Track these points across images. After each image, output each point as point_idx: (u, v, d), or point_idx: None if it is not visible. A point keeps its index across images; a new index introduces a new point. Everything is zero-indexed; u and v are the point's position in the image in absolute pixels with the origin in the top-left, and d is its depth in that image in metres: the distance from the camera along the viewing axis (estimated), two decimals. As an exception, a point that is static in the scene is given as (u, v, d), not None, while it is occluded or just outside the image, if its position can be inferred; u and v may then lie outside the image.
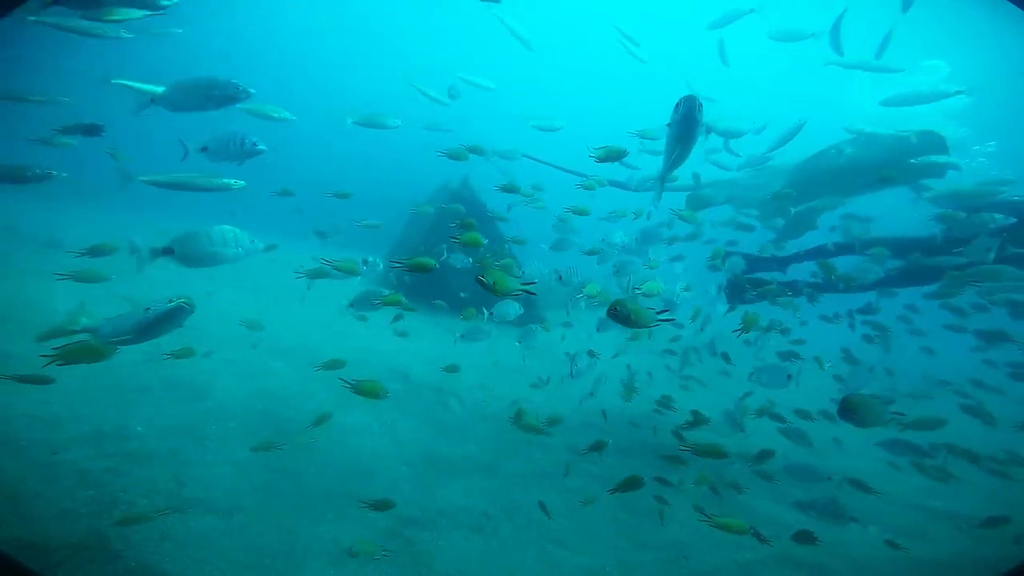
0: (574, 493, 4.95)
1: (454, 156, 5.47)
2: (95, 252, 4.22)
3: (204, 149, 4.08)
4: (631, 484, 3.89)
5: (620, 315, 2.55)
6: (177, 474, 3.97)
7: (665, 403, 6.12)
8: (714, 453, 4.06)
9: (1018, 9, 2.57)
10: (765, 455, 5.13)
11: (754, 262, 7.34)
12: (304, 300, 9.40)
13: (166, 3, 3.71)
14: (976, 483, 6.23)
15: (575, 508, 4.71)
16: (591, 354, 6.34)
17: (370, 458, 4.88)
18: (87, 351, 2.81)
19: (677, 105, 3.23)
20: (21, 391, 4.24)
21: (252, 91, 3.94)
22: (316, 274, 4.64)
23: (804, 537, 3.87)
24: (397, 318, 7.23)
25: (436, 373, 7.07)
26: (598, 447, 4.67)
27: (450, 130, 8.32)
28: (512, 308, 5.51)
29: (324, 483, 4.34)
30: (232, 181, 4.45)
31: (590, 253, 6.21)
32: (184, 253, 3.58)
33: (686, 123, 3.25)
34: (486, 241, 4.49)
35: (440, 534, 4.06)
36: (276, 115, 5.54)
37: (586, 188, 5.59)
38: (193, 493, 3.81)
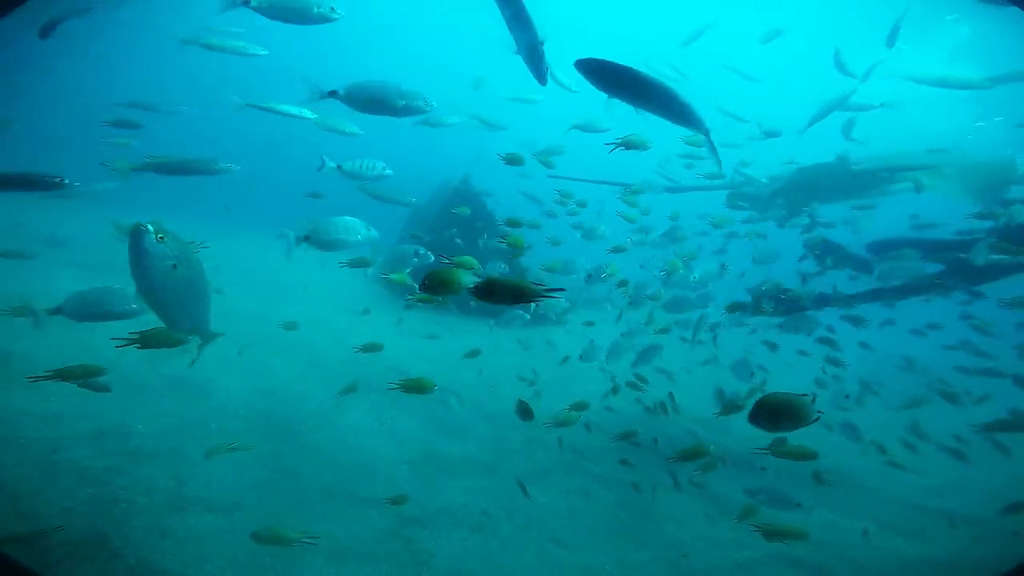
0: (574, 492, 4.96)
1: (511, 161, 5.53)
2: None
3: (339, 167, 4.75)
4: (694, 454, 4.01)
5: (482, 291, 2.20)
6: (177, 472, 3.98)
7: (637, 381, 6.20)
8: (802, 455, 3.70)
9: (1018, 9, 2.56)
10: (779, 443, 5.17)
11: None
12: (305, 297, 9.43)
13: (336, 16, 3.90)
14: (973, 483, 6.25)
15: (575, 507, 4.71)
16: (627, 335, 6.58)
17: (370, 457, 4.89)
18: (164, 336, 2.87)
19: (600, 76, 2.82)
20: (21, 388, 4.26)
21: (434, 104, 4.13)
22: (360, 263, 4.89)
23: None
24: (409, 307, 7.29)
25: (436, 371, 7.08)
26: (628, 436, 4.87)
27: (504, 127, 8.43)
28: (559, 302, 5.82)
29: (324, 482, 4.35)
30: (413, 198, 5.59)
31: (616, 250, 6.38)
32: (317, 239, 4.17)
33: (637, 83, 2.88)
34: (527, 245, 4.94)
35: (440, 533, 4.06)
36: (347, 130, 5.97)
37: (634, 193, 6.08)
38: (193, 491, 3.82)
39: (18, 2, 2.47)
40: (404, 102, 3.96)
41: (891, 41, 7.80)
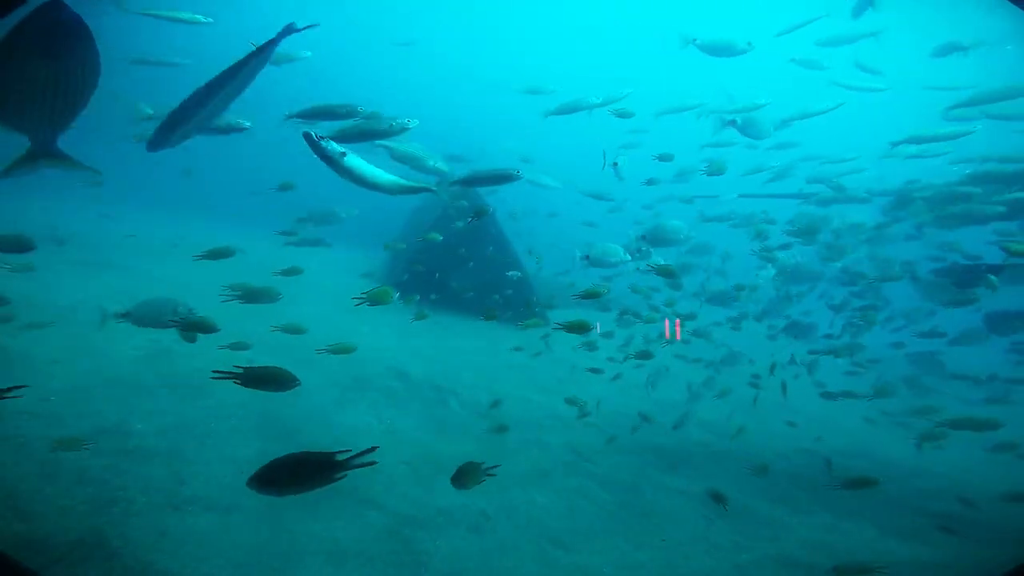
0: (573, 492, 4.95)
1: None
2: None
3: (615, 164, 5.69)
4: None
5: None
6: (176, 472, 3.98)
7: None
8: None
9: (1018, 9, 2.56)
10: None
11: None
12: (305, 294, 9.41)
13: (750, 48, 5.49)
14: (975, 484, 6.23)
15: (573, 507, 4.71)
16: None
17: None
18: (382, 293, 4.18)
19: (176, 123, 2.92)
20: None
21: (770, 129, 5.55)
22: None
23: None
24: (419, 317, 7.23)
25: (436, 371, 7.08)
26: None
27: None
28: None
29: (323, 481, 4.35)
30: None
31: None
32: (594, 260, 5.28)
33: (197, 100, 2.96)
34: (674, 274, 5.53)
35: (438, 533, 4.06)
36: (545, 182, 7.59)
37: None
38: (192, 491, 3.82)
39: (19, 2, 2.47)
40: (750, 131, 5.37)
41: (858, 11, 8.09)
